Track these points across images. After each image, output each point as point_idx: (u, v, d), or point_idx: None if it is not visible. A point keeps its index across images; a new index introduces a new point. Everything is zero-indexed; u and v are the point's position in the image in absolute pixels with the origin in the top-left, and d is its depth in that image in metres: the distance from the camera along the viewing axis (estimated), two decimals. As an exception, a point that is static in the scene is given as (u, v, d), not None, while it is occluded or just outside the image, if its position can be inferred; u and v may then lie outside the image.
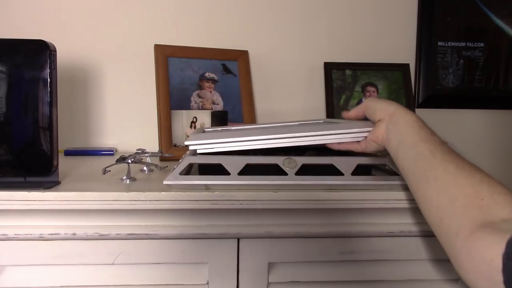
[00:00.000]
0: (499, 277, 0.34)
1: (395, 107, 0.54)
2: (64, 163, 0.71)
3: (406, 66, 1.07)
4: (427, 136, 0.49)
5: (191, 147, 0.57)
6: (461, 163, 0.44)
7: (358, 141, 0.58)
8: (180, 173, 0.54)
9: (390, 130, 0.53)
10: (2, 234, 0.53)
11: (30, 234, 0.53)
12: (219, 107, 0.95)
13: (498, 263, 0.34)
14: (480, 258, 0.36)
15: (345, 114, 0.62)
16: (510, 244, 0.34)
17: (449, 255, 0.41)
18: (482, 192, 0.41)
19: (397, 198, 0.56)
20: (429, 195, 0.45)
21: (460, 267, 0.39)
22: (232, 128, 0.75)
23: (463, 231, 0.39)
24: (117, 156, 0.67)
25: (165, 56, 0.92)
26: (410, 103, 1.04)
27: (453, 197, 0.42)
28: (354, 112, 0.60)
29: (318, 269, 0.60)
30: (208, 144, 0.56)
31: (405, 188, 0.58)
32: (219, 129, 0.74)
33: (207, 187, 0.54)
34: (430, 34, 1.08)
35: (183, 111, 0.91)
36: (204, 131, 0.65)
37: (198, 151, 0.57)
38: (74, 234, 0.54)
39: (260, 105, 1.05)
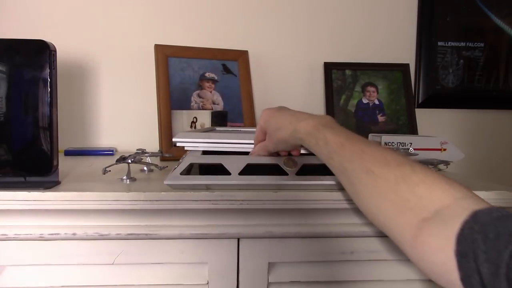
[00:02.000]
0: (455, 276, 0.33)
1: (312, 124, 0.50)
2: (64, 163, 0.71)
3: (406, 66, 1.07)
4: (348, 138, 0.46)
5: (178, 144, 0.58)
6: (370, 167, 0.41)
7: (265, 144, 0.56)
8: (181, 173, 0.54)
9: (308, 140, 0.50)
10: (2, 234, 0.53)
11: (30, 234, 0.53)
12: (219, 107, 0.95)
13: (452, 263, 0.33)
14: (432, 263, 0.35)
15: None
16: (460, 241, 0.33)
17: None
18: (404, 195, 0.39)
19: (397, 198, 0.56)
20: (366, 204, 0.43)
21: (420, 269, 0.38)
22: (230, 129, 0.76)
23: (406, 239, 0.38)
24: (117, 156, 0.67)
25: (165, 56, 0.92)
26: (410, 103, 1.04)
27: (381, 209, 0.41)
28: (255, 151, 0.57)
29: (318, 269, 0.60)
30: (194, 143, 0.58)
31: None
32: (230, 129, 0.76)
33: (207, 187, 0.54)
34: (430, 34, 1.08)
35: (183, 111, 0.91)
36: (207, 131, 0.66)
37: (186, 148, 0.58)
38: (74, 234, 0.54)
39: (260, 105, 1.05)
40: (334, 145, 0.46)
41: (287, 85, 1.07)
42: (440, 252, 0.34)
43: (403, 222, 0.38)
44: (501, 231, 0.31)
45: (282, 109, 0.55)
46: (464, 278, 0.32)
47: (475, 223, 0.33)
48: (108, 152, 0.93)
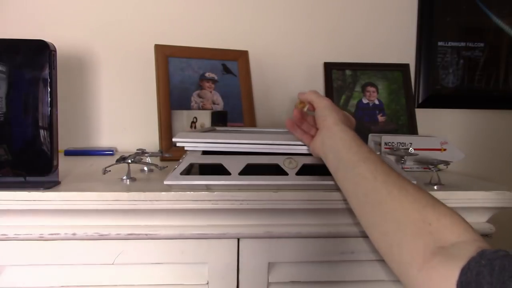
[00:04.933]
0: None
1: (333, 121, 0.52)
2: (64, 163, 0.71)
3: (406, 66, 1.07)
4: (366, 155, 0.47)
5: (178, 144, 0.58)
6: (404, 185, 0.43)
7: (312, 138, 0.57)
8: (181, 173, 0.54)
9: (326, 145, 0.51)
10: (2, 234, 0.53)
11: (30, 234, 0.53)
12: (219, 107, 0.95)
13: None
14: None
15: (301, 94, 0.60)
16: (464, 272, 0.34)
17: (403, 283, 0.40)
18: (428, 216, 0.40)
19: (397, 198, 0.56)
20: (375, 220, 0.43)
21: None
22: (230, 129, 0.76)
23: (416, 260, 0.39)
24: (117, 156, 0.67)
25: (165, 56, 0.92)
26: (410, 103, 1.04)
27: (401, 224, 0.41)
28: (309, 95, 0.58)
29: (318, 269, 0.60)
30: (194, 143, 0.58)
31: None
32: (230, 129, 0.76)
33: (207, 187, 0.54)
34: (430, 34, 1.08)
35: (183, 111, 0.91)
36: (207, 131, 0.66)
37: (186, 148, 0.58)
38: (74, 234, 0.54)
39: (260, 105, 1.05)
40: (368, 153, 0.47)
41: (287, 85, 1.07)
42: (444, 281, 0.35)
43: (419, 244, 0.39)
44: (507, 264, 0.32)
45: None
46: None
47: (482, 258, 0.34)
48: (108, 152, 0.93)
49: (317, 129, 0.56)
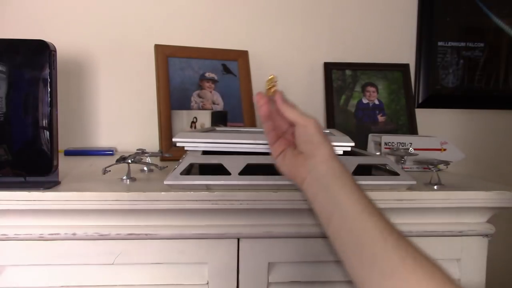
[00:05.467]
0: None
1: (329, 153, 0.44)
2: (64, 163, 0.71)
3: (406, 66, 1.07)
4: (370, 205, 0.41)
5: (178, 144, 0.58)
6: (417, 255, 0.37)
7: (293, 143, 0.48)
8: (181, 173, 0.54)
9: (319, 182, 0.43)
10: (2, 234, 0.53)
11: (30, 234, 0.53)
12: (219, 107, 0.95)
13: None
14: None
15: (280, 103, 0.47)
16: None
17: None
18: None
19: (397, 198, 0.56)
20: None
21: None
22: (230, 129, 0.76)
23: None
24: (117, 156, 0.67)
25: (165, 56, 0.92)
26: (410, 103, 1.04)
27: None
28: (290, 113, 0.47)
29: (318, 269, 0.60)
30: (194, 143, 0.58)
31: (406, 188, 0.58)
32: (230, 129, 0.76)
33: (207, 187, 0.54)
34: (430, 34, 1.08)
35: (184, 111, 0.91)
36: (207, 131, 0.66)
37: (186, 148, 0.59)
38: (74, 234, 0.54)
39: (260, 105, 1.04)
40: (370, 202, 0.41)
41: (287, 85, 1.07)
42: None
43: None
44: None
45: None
46: None
47: None
48: (108, 152, 0.93)
49: (290, 129, 0.49)
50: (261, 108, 0.49)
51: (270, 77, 0.52)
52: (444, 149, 0.76)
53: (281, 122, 0.50)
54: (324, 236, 0.58)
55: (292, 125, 0.48)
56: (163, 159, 0.83)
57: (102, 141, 1.02)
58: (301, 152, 0.46)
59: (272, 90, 0.51)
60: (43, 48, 0.54)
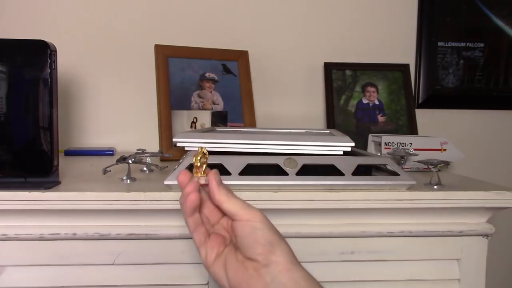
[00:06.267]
0: None
1: (289, 258, 0.37)
2: (64, 163, 0.71)
3: (406, 66, 1.07)
4: None
5: (178, 144, 0.58)
6: None
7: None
8: (180, 173, 0.54)
9: None
10: (2, 234, 0.53)
11: (30, 234, 0.53)
12: (219, 107, 0.95)
13: None
14: None
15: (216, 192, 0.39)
16: None
17: None
18: None
19: (397, 198, 0.56)
20: None
21: None
22: (230, 129, 0.76)
23: None
24: (117, 156, 0.67)
25: (165, 56, 0.92)
26: (410, 103, 1.04)
27: None
28: (230, 204, 0.38)
29: (318, 269, 0.60)
30: (194, 143, 0.58)
31: (406, 188, 0.58)
32: (230, 129, 0.76)
33: (207, 187, 0.54)
34: (430, 34, 1.08)
35: (184, 111, 0.91)
36: (207, 131, 0.66)
37: (186, 148, 0.58)
38: (74, 234, 0.54)
39: (260, 105, 1.05)
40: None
41: (287, 85, 1.07)
42: None
43: None
44: None
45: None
46: None
47: None
48: (108, 152, 0.93)
49: (224, 220, 0.41)
50: (188, 197, 0.38)
51: (199, 151, 0.41)
52: (444, 149, 0.76)
53: (212, 211, 0.41)
54: (324, 236, 0.58)
55: (228, 217, 0.39)
56: (163, 159, 0.83)
57: (102, 141, 1.02)
58: (248, 258, 0.37)
59: (203, 169, 0.41)
60: (43, 48, 0.54)
